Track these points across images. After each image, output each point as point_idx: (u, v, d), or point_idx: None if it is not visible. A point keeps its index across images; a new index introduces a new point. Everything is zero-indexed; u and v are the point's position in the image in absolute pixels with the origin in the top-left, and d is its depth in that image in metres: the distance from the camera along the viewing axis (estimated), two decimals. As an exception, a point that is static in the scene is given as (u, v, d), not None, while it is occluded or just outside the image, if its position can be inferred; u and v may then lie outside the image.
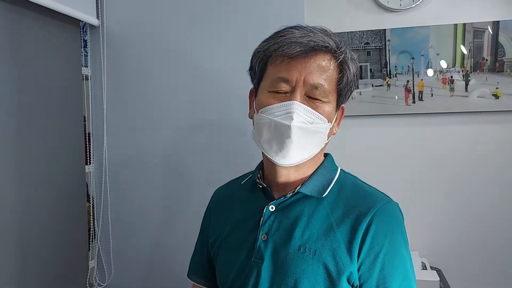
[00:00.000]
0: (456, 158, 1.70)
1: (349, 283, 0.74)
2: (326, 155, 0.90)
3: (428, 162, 1.73)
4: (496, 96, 1.65)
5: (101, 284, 1.59)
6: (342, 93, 0.81)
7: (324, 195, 0.80)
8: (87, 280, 1.55)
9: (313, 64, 0.75)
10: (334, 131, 0.85)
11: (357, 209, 0.77)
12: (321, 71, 0.75)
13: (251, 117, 0.85)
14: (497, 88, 1.65)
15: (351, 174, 0.89)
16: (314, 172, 0.83)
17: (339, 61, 0.78)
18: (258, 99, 0.81)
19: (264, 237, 0.80)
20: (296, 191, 0.81)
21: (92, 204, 1.59)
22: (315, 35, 0.76)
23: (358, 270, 0.74)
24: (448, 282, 1.52)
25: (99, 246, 1.59)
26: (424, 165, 1.73)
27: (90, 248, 1.58)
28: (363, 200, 0.79)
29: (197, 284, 1.04)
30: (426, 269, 1.55)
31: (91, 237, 1.58)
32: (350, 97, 1.88)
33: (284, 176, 0.82)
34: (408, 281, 0.75)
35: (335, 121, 0.84)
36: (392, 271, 0.73)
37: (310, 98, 0.77)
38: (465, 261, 1.69)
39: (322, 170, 0.84)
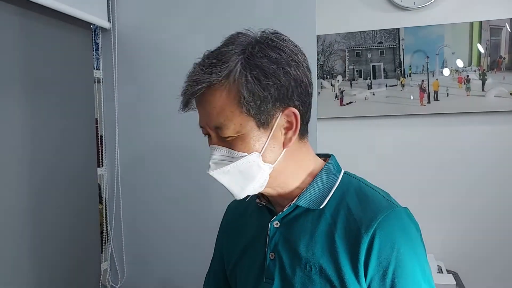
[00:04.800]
0: (473, 159, 1.66)
1: None
2: (330, 155, 0.80)
3: (444, 163, 1.69)
4: (514, 96, 1.61)
5: (114, 286, 1.59)
6: (259, 110, 0.66)
7: (322, 207, 0.72)
8: (100, 282, 1.55)
9: (202, 109, 0.70)
10: (286, 144, 0.71)
11: (358, 221, 0.69)
12: (211, 111, 0.68)
13: None
14: (515, 87, 1.61)
15: (356, 177, 0.78)
16: (313, 180, 0.75)
17: (226, 89, 0.66)
18: None
19: (272, 255, 0.76)
20: (292, 204, 0.73)
21: (105, 206, 1.59)
22: (194, 79, 0.68)
23: None
24: (464, 286, 1.49)
25: (111, 248, 1.59)
26: (440, 167, 1.70)
27: (103, 250, 1.59)
28: (365, 210, 0.70)
29: None
30: (443, 272, 1.52)
31: (103, 239, 1.59)
32: (363, 97, 1.79)
33: (271, 193, 0.76)
34: None
35: (285, 134, 0.71)
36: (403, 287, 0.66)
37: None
38: (481, 264, 1.65)
39: (321, 178, 0.75)
